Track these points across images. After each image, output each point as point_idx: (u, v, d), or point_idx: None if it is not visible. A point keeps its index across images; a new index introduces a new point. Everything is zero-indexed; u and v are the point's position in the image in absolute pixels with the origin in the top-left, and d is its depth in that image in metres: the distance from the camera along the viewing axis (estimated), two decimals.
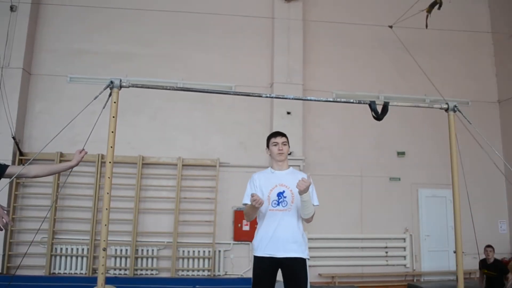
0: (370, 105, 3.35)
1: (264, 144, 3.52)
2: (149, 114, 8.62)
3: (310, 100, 3.61)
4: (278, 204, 3.23)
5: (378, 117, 3.34)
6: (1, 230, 2.74)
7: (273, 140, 3.40)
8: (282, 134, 3.44)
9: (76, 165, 3.24)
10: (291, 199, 3.24)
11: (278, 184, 3.27)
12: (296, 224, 3.24)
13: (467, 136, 4.80)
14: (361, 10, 9.62)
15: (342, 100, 3.69)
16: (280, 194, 3.25)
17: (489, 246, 7.09)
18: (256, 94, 3.55)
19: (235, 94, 3.33)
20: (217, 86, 8.64)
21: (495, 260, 7.12)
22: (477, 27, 9.90)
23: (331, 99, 3.74)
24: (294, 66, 8.85)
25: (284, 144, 3.38)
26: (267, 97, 3.63)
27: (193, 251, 8.18)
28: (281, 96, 3.72)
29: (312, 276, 8.61)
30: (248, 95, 3.51)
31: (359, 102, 3.53)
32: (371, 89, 9.33)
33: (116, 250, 7.98)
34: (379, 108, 3.35)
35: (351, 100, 3.62)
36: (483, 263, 7.08)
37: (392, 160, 9.26)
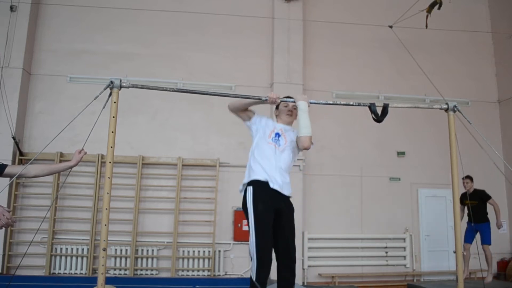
0: (370, 107, 3.33)
1: None
2: (149, 114, 8.62)
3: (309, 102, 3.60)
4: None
5: (378, 119, 3.33)
6: (8, 227, 2.76)
7: (284, 103, 3.46)
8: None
9: (76, 165, 3.26)
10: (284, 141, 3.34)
11: (276, 127, 3.40)
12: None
13: (467, 136, 4.79)
14: (361, 10, 9.61)
15: (342, 103, 3.68)
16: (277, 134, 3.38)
17: (466, 177, 7.03)
18: (256, 97, 3.53)
19: (235, 96, 3.32)
20: (217, 86, 8.66)
21: (475, 190, 7.15)
22: (477, 27, 9.89)
23: (331, 102, 3.72)
24: (294, 66, 8.85)
25: (294, 108, 3.43)
26: (266, 98, 3.62)
27: (193, 251, 8.18)
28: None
29: (312, 276, 8.67)
30: (247, 97, 3.49)
31: (359, 105, 3.52)
32: (371, 89, 9.33)
33: (116, 250, 7.98)
34: (379, 110, 3.34)
35: (351, 103, 3.61)
36: (464, 196, 7.06)
37: (392, 160, 9.26)
